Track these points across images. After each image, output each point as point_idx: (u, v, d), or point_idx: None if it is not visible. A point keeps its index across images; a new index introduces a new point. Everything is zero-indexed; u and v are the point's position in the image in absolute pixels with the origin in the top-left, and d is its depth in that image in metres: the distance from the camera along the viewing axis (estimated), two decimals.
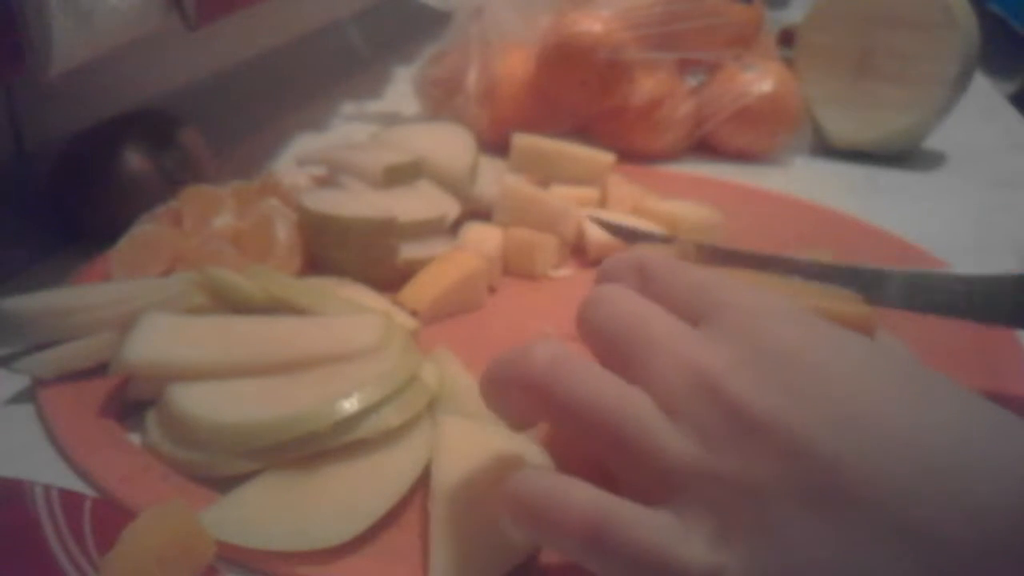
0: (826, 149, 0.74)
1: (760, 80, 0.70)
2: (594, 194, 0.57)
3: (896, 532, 0.22)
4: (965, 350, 0.43)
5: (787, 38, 0.78)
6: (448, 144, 0.57)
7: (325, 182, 0.55)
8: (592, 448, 0.26)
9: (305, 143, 0.72)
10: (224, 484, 0.33)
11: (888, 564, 0.22)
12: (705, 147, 0.72)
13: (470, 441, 0.33)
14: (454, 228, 0.52)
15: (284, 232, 0.47)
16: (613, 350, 0.27)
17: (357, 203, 0.49)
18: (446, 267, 0.47)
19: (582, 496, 0.25)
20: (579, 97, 0.69)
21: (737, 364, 0.25)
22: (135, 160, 0.51)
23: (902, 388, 0.24)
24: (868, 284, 0.40)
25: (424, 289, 0.46)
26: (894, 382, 0.24)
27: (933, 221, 0.61)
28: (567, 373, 0.26)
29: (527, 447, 0.33)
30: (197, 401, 0.34)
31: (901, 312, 0.40)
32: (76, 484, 0.34)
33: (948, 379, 0.26)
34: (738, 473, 0.24)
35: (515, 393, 0.27)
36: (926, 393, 0.24)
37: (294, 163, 0.58)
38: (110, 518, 0.28)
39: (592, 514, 0.24)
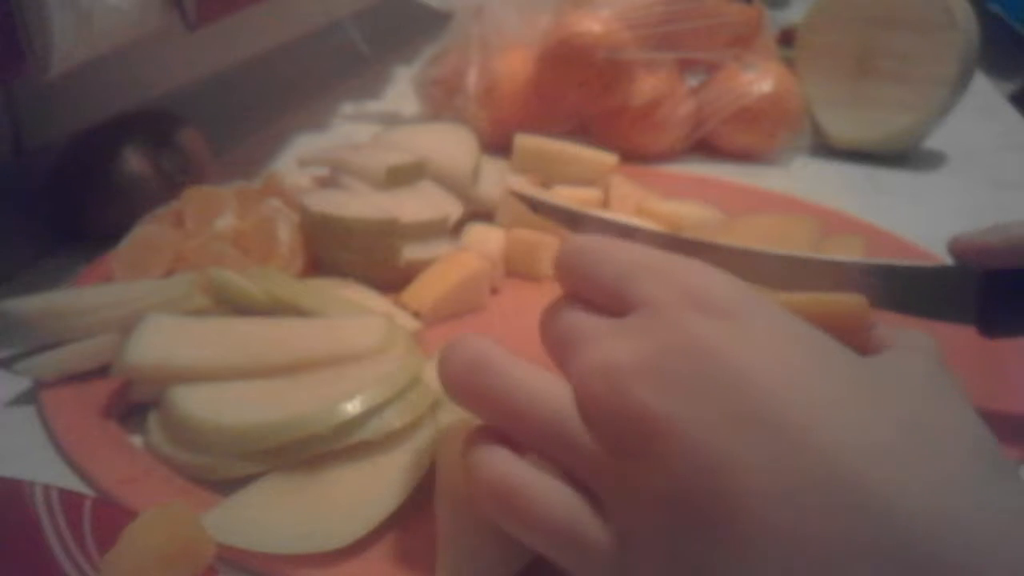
0: (826, 149, 0.74)
1: (760, 80, 0.70)
2: (597, 195, 0.57)
3: (786, 551, 0.21)
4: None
5: (787, 38, 0.78)
6: (450, 145, 0.57)
7: (327, 183, 0.54)
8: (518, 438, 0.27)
9: (305, 143, 0.72)
10: (226, 487, 0.33)
11: None
12: (705, 147, 0.72)
13: None
14: (456, 229, 0.52)
15: (286, 233, 0.47)
16: (554, 355, 0.28)
17: (359, 204, 0.49)
18: (448, 268, 0.47)
19: (500, 468, 0.26)
20: (579, 97, 0.69)
21: (646, 363, 0.24)
22: (135, 160, 0.51)
23: (832, 393, 0.23)
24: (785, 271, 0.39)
25: (426, 290, 0.46)
26: (827, 388, 0.23)
27: (933, 221, 0.61)
28: (485, 372, 0.27)
29: None
30: (199, 403, 0.34)
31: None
32: (77, 485, 0.33)
33: (925, 390, 0.24)
34: (642, 478, 0.23)
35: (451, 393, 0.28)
36: (867, 400, 0.23)
37: (296, 164, 0.58)
38: (110, 518, 0.28)
39: (505, 484, 0.26)
